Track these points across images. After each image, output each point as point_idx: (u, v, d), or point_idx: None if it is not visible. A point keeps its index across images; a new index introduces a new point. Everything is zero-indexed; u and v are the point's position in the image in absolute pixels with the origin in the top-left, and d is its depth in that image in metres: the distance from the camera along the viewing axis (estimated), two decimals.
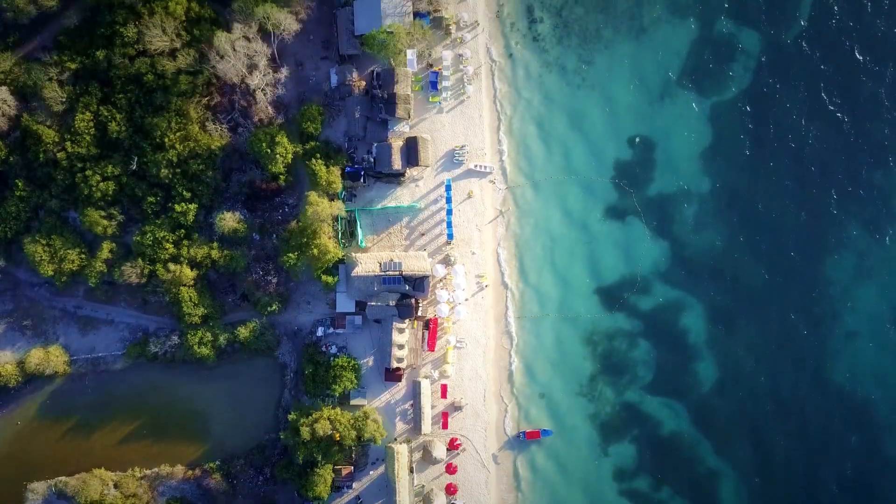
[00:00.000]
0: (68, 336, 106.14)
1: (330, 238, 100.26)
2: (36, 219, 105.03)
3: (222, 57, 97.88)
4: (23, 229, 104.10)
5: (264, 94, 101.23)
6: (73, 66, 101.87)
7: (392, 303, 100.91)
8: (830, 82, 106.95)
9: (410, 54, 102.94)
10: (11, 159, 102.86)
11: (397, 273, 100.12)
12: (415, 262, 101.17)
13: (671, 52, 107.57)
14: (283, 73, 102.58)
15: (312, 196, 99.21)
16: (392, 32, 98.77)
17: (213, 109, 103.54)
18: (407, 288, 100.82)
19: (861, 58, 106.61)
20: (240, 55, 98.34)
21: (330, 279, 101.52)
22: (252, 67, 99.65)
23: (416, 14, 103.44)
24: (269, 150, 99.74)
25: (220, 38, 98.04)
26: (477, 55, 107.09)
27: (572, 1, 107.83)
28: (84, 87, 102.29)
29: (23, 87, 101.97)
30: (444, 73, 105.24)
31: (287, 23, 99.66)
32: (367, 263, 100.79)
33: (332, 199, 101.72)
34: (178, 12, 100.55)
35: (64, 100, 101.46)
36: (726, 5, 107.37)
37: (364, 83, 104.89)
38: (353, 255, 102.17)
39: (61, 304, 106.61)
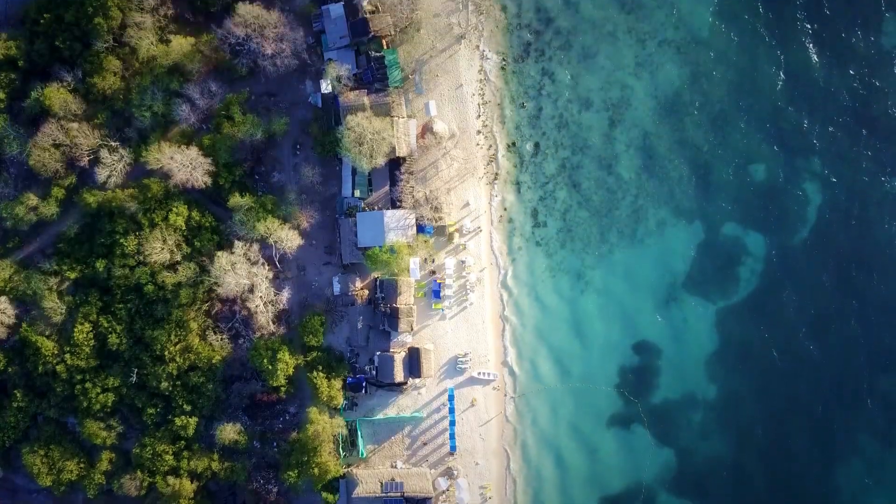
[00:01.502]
0: None
1: (331, 454, 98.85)
2: (34, 426, 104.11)
3: (223, 273, 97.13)
4: (21, 437, 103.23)
5: (265, 311, 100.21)
6: (72, 276, 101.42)
7: None
8: (839, 285, 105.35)
9: (413, 263, 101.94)
10: (10, 370, 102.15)
11: (399, 495, 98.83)
12: (417, 483, 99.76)
13: (676, 255, 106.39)
14: (285, 295, 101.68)
15: (313, 413, 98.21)
16: (395, 252, 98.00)
17: (214, 317, 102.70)
18: None
19: (868, 262, 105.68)
20: (240, 274, 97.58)
21: (331, 497, 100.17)
22: (253, 287, 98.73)
23: (420, 227, 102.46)
24: (270, 366, 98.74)
25: (221, 258, 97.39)
26: (479, 261, 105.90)
27: (576, 205, 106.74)
28: (84, 296, 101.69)
29: (22, 295, 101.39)
30: (447, 280, 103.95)
31: (289, 239, 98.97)
32: (368, 483, 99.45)
33: (333, 413, 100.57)
34: (178, 223, 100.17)
35: (63, 311, 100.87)
36: (731, 209, 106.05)
37: (367, 292, 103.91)
38: (354, 472, 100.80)
39: None
